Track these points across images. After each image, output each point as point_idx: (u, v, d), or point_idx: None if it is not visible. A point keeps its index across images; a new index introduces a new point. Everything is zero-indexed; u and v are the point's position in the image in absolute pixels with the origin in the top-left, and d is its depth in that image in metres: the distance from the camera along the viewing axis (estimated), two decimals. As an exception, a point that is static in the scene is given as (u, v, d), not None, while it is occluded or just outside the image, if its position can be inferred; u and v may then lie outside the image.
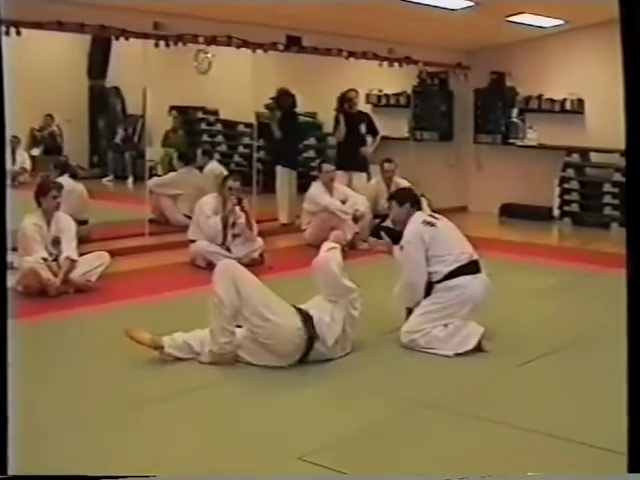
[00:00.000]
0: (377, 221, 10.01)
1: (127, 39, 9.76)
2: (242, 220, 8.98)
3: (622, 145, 11.22)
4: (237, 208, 8.97)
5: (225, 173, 10.78)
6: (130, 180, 15.28)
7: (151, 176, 11.81)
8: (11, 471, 2.78)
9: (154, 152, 13.29)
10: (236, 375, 5.37)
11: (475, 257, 6.13)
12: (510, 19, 11.82)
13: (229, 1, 9.68)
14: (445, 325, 5.91)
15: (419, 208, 6.34)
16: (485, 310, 6.05)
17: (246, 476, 3.97)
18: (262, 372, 5.37)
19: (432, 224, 6.13)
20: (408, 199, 6.40)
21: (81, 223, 8.98)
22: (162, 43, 10.01)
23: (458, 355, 5.83)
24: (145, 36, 9.78)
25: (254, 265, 8.49)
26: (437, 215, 6.46)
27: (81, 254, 7.80)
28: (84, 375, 5.32)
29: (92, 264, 7.74)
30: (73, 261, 7.59)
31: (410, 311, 6.10)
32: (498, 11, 11.30)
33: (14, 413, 2.70)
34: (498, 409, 4.83)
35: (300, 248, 9.82)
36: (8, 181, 3.53)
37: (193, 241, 9.06)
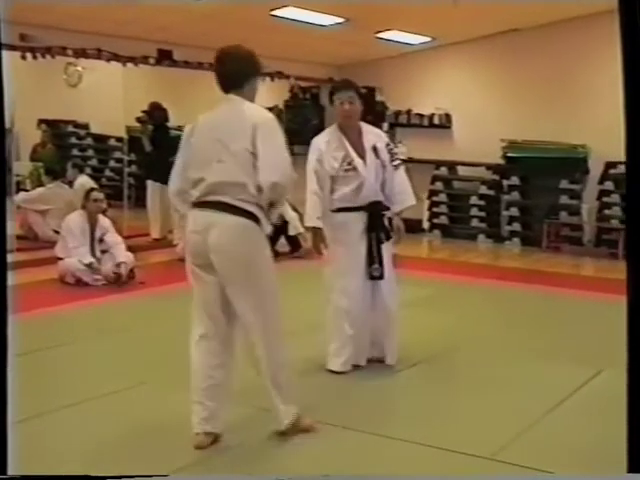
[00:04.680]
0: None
1: (-8, 51, 9.52)
2: (110, 234, 8.93)
3: (488, 159, 11.64)
4: (103, 220, 8.98)
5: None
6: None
7: (19, 191, 11.55)
8: (11, 471, 2.72)
9: (22, 166, 12.98)
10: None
11: None
12: (379, 35, 12.06)
13: (99, 12, 9.57)
14: None
15: None
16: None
17: (251, 476, 3.98)
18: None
19: None
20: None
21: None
22: (29, 55, 9.81)
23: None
24: (12, 48, 9.56)
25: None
26: None
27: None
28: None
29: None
30: None
31: None
32: (368, 27, 11.52)
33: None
34: (369, 420, 4.90)
35: (172, 263, 9.75)
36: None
37: (62, 258, 8.89)
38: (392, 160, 5.75)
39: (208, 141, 4.25)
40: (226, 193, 4.15)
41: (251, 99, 4.37)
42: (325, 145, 5.75)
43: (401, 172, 5.79)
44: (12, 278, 2.81)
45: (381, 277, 5.71)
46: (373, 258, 5.69)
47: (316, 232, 5.68)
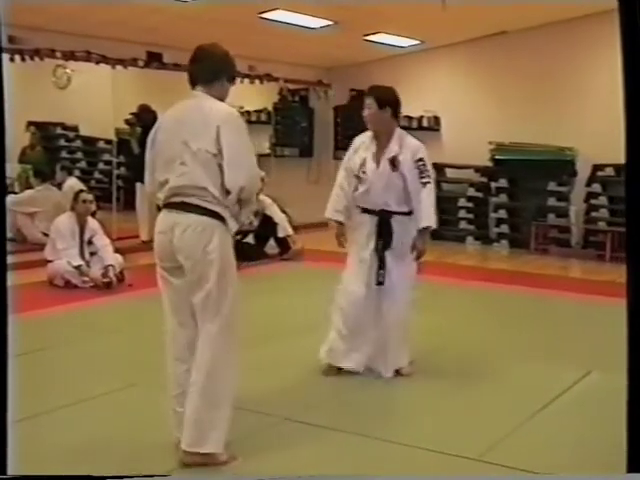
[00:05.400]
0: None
1: (-22, 53, 9.51)
2: (98, 237, 8.95)
3: (476, 161, 11.65)
4: (92, 222, 9.01)
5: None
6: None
7: (7, 194, 11.51)
8: (11, 471, 2.73)
9: (10, 169, 12.95)
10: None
11: None
12: (368, 38, 12.10)
13: (88, 14, 9.57)
14: None
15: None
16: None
17: (253, 477, 3.98)
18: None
19: None
20: (394, 106, 5.87)
21: None
22: (18, 57, 9.81)
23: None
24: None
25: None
26: None
27: None
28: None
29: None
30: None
31: None
32: (356, 30, 11.55)
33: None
34: (356, 421, 4.93)
35: (162, 265, 9.75)
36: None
37: (51, 261, 8.88)
38: (421, 176, 5.69)
39: (171, 140, 4.17)
40: (190, 195, 4.11)
41: (220, 98, 4.26)
42: (359, 144, 5.89)
43: (427, 191, 5.66)
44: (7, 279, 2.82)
45: (383, 283, 5.75)
46: (378, 264, 5.73)
47: (335, 225, 5.89)
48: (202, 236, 4.10)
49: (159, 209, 4.33)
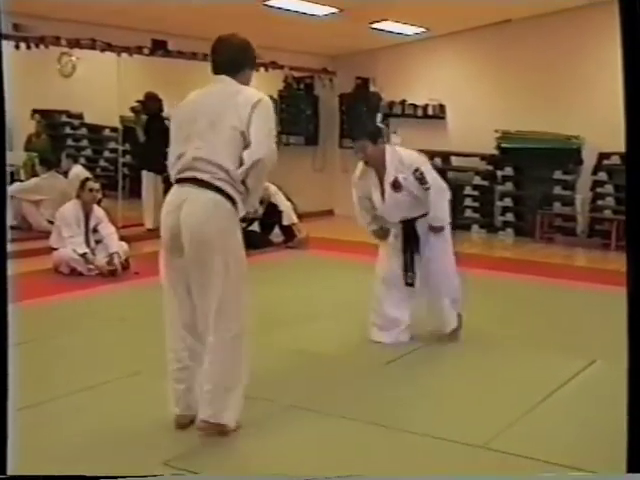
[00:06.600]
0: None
1: (-17, 41, 9.50)
2: (103, 224, 8.97)
3: (482, 149, 11.64)
4: (97, 210, 9.04)
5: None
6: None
7: (13, 181, 11.53)
8: (11, 471, 2.74)
9: (16, 157, 12.95)
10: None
11: None
12: (373, 26, 12.05)
13: (93, 2, 9.55)
14: None
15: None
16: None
17: (247, 477, 3.99)
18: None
19: None
20: (380, 134, 6.21)
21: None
22: (23, 45, 9.80)
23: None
24: (5, 37, 9.52)
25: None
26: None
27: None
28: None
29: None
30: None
31: None
32: (362, 18, 11.50)
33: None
34: (361, 408, 4.93)
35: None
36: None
37: (56, 248, 8.89)
38: (421, 184, 6.01)
39: (197, 118, 4.23)
40: (204, 171, 4.14)
41: (245, 85, 4.36)
42: (357, 179, 6.24)
43: (432, 193, 6.02)
44: (8, 268, 2.82)
45: (413, 284, 6.24)
46: (407, 266, 6.21)
47: (375, 233, 6.37)
48: (209, 212, 4.13)
49: (166, 193, 4.35)
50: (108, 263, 8.71)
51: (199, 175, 4.15)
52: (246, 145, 4.13)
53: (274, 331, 6.42)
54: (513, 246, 12.19)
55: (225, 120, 4.15)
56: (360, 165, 6.20)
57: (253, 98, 4.20)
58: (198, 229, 4.13)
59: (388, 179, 6.00)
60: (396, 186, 5.99)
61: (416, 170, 5.99)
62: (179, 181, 4.26)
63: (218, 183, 4.13)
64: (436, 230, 6.14)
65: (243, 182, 4.17)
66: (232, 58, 4.36)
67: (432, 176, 6.05)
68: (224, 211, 4.17)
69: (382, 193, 6.07)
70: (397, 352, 6.05)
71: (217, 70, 4.38)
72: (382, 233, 6.32)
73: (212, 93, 4.34)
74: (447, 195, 6.16)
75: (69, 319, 6.90)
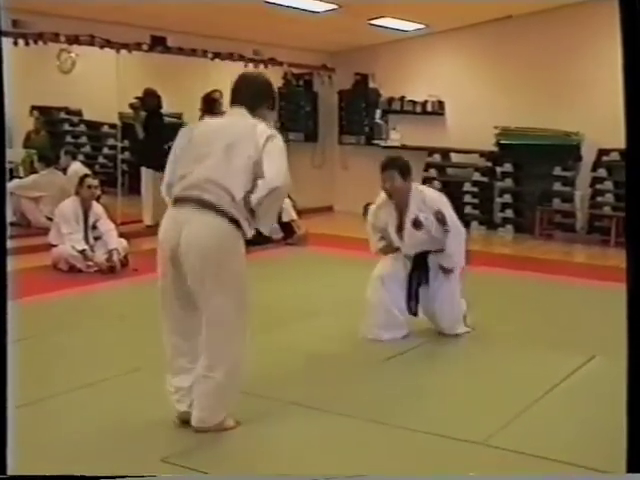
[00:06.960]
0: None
1: (-18, 37, 9.49)
2: (102, 221, 8.96)
3: (481, 146, 11.63)
4: (96, 206, 9.04)
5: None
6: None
7: (12, 178, 11.52)
8: (10, 470, 2.73)
9: (15, 153, 12.93)
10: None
11: None
12: (372, 22, 12.04)
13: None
14: None
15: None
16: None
17: (247, 476, 3.98)
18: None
19: None
20: (410, 172, 6.23)
21: None
22: (22, 41, 9.79)
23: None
24: (3, 34, 9.51)
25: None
26: None
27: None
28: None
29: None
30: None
31: None
32: (361, 14, 11.50)
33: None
34: (361, 406, 4.93)
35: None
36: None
37: (55, 245, 8.89)
38: (441, 226, 6.10)
39: (212, 141, 4.27)
40: (210, 192, 4.15)
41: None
42: (376, 208, 6.42)
43: (451, 236, 6.11)
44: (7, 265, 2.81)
45: (416, 314, 6.34)
46: (411, 295, 6.27)
47: (383, 250, 6.45)
48: (212, 234, 4.15)
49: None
50: (107, 260, 8.72)
51: (205, 196, 4.16)
52: (255, 174, 4.17)
53: (273, 328, 6.41)
54: (512, 242, 12.20)
55: (241, 147, 4.20)
56: (382, 195, 6.28)
57: (268, 131, 4.28)
58: (199, 252, 4.14)
59: (410, 217, 6.09)
60: (417, 225, 6.09)
61: (438, 212, 6.09)
62: (181, 199, 4.26)
63: (223, 206, 4.15)
64: (446, 271, 6.22)
65: (251, 209, 4.19)
66: (254, 95, 4.48)
67: (452, 219, 6.14)
68: (226, 233, 4.18)
69: (398, 227, 6.18)
70: (396, 349, 6.05)
71: (236, 102, 4.47)
72: (390, 250, 6.38)
73: (231, 120, 4.46)
74: (464, 237, 6.28)
75: (68, 316, 6.90)
